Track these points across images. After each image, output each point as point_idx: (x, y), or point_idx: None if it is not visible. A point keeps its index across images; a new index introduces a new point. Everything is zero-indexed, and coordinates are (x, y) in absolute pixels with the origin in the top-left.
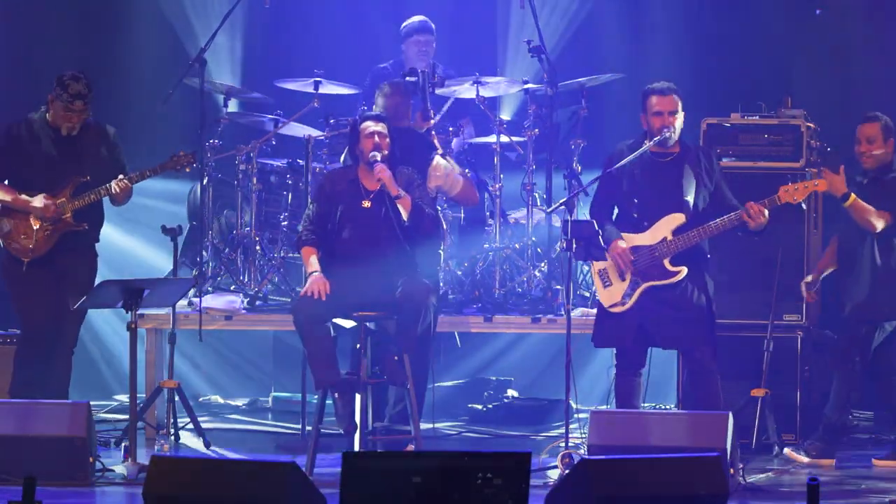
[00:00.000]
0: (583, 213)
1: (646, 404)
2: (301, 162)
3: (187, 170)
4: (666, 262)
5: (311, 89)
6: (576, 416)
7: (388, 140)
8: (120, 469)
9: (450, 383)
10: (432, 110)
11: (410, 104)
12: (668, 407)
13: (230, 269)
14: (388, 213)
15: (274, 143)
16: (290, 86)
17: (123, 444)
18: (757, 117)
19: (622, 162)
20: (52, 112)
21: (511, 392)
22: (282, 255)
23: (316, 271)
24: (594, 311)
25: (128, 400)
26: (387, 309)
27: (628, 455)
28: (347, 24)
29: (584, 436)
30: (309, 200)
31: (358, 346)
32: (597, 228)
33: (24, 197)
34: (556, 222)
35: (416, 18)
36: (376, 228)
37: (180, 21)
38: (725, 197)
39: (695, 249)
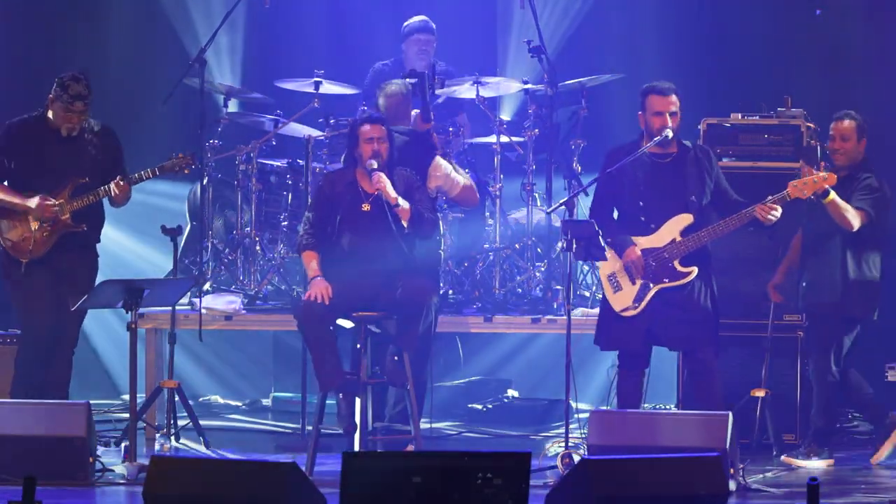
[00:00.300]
0: (583, 213)
1: (646, 404)
2: (301, 162)
3: (186, 171)
4: (676, 264)
5: (311, 89)
6: (576, 416)
7: (386, 144)
8: (120, 469)
9: (450, 383)
10: (432, 112)
11: (410, 104)
12: (668, 407)
13: (230, 269)
14: (387, 217)
15: (274, 143)
16: (290, 86)
17: (123, 444)
18: (757, 117)
19: (621, 163)
20: (52, 113)
21: (511, 392)
22: (282, 255)
23: (318, 276)
24: (594, 311)
25: (128, 400)
26: (387, 309)
27: (628, 455)
28: (347, 24)
29: (583, 434)
30: (308, 202)
31: (358, 346)
32: (596, 229)
33: (21, 197)
34: (556, 222)
35: (417, 18)
36: (376, 232)
37: (181, 21)
38: (727, 192)
39: (700, 249)
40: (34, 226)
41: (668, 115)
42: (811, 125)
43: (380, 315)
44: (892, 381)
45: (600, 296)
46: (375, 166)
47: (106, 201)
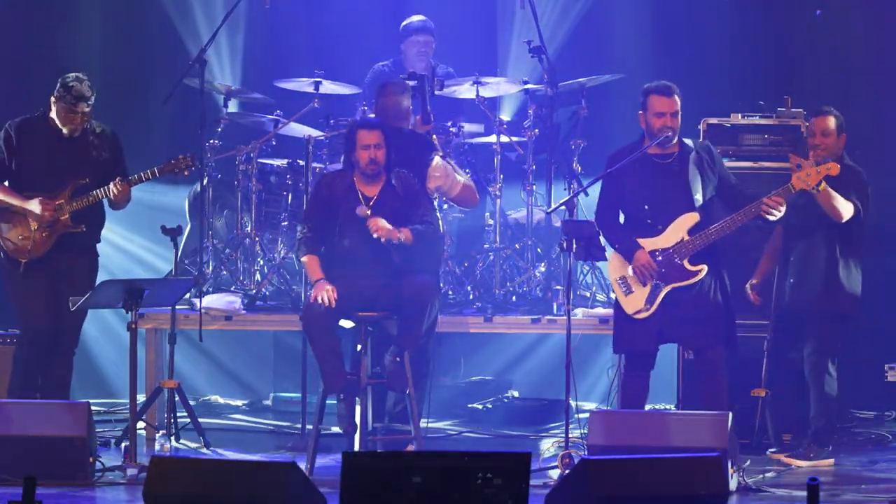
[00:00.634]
0: (583, 213)
1: (646, 405)
2: (301, 162)
3: (186, 174)
4: (685, 263)
5: (311, 89)
6: (576, 416)
7: (383, 150)
8: (120, 469)
9: (450, 383)
10: (432, 114)
11: (410, 105)
12: (668, 407)
13: (230, 270)
14: (387, 220)
15: (274, 143)
16: (290, 86)
17: (123, 444)
18: (757, 117)
19: (623, 162)
20: (55, 113)
21: (511, 392)
22: (282, 255)
23: (321, 278)
24: (594, 311)
25: (128, 400)
26: (388, 309)
27: (628, 455)
28: (347, 24)
29: (584, 433)
30: (305, 205)
31: (359, 347)
32: (596, 229)
33: (21, 199)
34: (556, 222)
35: (416, 18)
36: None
37: (181, 21)
38: (732, 186)
39: (709, 246)
40: (34, 226)
41: (670, 115)
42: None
43: (381, 315)
44: (893, 381)
45: (602, 297)
46: (368, 213)
47: (106, 203)
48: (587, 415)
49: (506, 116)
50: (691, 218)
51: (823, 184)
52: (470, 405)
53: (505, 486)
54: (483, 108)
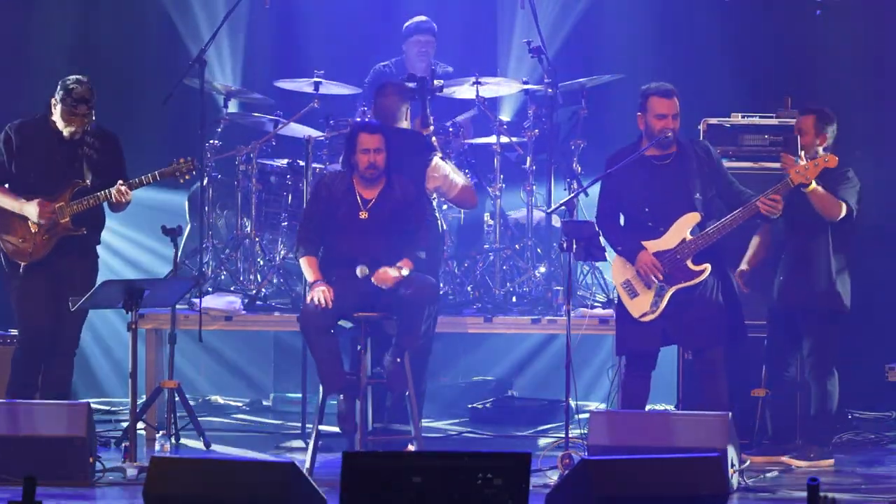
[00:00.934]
0: (583, 213)
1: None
2: (301, 162)
3: (187, 177)
4: (689, 263)
5: (311, 90)
6: (576, 416)
7: (383, 154)
8: (130, 470)
9: (450, 383)
10: (432, 117)
11: (409, 105)
12: (668, 407)
13: (230, 270)
14: (385, 224)
15: (274, 143)
16: (290, 86)
17: (123, 444)
18: (757, 117)
19: (623, 162)
20: (55, 115)
21: (511, 392)
22: (282, 255)
23: (318, 280)
24: (594, 311)
25: (128, 400)
26: (388, 309)
27: (628, 455)
28: (347, 24)
29: (584, 433)
30: (305, 205)
31: (359, 348)
32: (597, 230)
33: (21, 202)
34: (556, 222)
35: (417, 18)
36: (375, 238)
37: (181, 21)
38: (731, 183)
39: (712, 245)
40: (34, 229)
41: (670, 118)
42: None
43: (380, 315)
44: (893, 381)
45: (602, 297)
46: (367, 272)
47: (106, 205)
48: (587, 415)
49: (506, 117)
50: (692, 218)
51: (813, 183)
52: (470, 405)
53: (505, 486)
54: (483, 109)
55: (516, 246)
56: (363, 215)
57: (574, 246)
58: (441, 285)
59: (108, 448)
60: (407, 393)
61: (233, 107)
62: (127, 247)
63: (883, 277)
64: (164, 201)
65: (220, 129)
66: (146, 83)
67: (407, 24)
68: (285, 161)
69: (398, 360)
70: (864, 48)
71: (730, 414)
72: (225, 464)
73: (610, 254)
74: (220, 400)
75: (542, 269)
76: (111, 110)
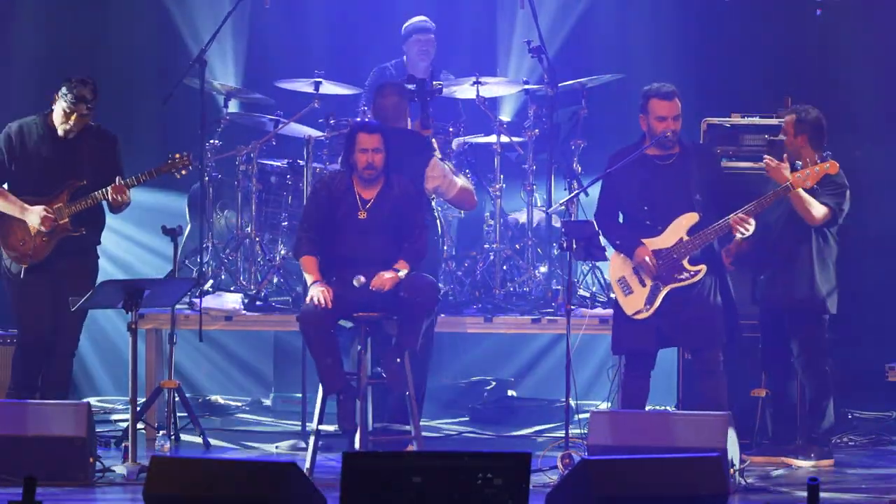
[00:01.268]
0: (583, 213)
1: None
2: (301, 162)
3: (184, 172)
4: (685, 263)
5: (311, 90)
6: (576, 416)
7: (381, 154)
8: (120, 469)
9: (450, 383)
10: (431, 118)
11: (408, 106)
12: (668, 407)
13: (230, 270)
14: (384, 224)
15: (274, 143)
16: (291, 86)
17: (123, 444)
18: (757, 117)
19: (623, 161)
20: (54, 112)
21: (511, 392)
22: (282, 255)
23: (318, 280)
24: (594, 311)
25: (128, 400)
26: (388, 309)
27: (628, 455)
28: (347, 24)
29: (584, 432)
30: (304, 205)
31: (360, 348)
32: (596, 229)
33: (21, 206)
34: (556, 222)
35: (417, 18)
36: (374, 238)
37: (182, 21)
38: (729, 186)
39: (708, 246)
40: (33, 231)
41: (671, 119)
42: None
43: (380, 315)
44: (893, 381)
45: (602, 297)
46: (363, 280)
47: (106, 205)
48: (587, 415)
49: (506, 117)
50: (691, 218)
51: (794, 189)
52: (470, 405)
53: (505, 486)
54: (483, 109)
55: (516, 246)
56: (362, 215)
57: (574, 246)
58: (441, 285)
59: (108, 448)
60: (407, 393)
61: (233, 107)
62: (127, 247)
63: (883, 277)
64: (164, 201)
65: (220, 129)
66: (146, 83)
67: (407, 24)
68: (285, 161)
69: (398, 360)
70: (864, 48)
71: (730, 414)
72: (225, 464)
73: (609, 252)
74: (220, 400)
75: (543, 269)
76: (111, 110)
